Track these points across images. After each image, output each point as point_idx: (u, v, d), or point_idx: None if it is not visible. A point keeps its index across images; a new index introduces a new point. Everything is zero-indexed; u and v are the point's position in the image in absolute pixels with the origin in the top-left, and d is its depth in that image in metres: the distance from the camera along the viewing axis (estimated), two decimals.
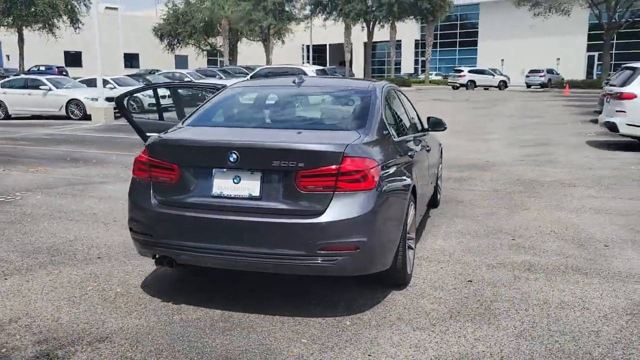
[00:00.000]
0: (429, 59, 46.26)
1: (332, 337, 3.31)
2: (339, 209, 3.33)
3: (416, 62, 65.35)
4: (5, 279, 4.25)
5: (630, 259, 4.69)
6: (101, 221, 5.85)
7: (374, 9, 37.01)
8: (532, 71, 45.78)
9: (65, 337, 3.30)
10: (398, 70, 60.37)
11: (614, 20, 34.71)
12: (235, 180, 3.46)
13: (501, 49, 55.48)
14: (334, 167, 3.33)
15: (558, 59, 50.56)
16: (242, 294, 3.98)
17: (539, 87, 44.39)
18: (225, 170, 3.48)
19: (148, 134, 4.96)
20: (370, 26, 40.48)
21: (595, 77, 49.33)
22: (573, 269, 4.46)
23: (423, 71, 61.01)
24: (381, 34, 46.36)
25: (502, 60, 53.96)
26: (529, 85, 45.06)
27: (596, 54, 52.26)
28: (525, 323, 3.51)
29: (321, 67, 24.07)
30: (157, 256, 3.68)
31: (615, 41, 50.64)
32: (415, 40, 63.87)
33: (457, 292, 3.99)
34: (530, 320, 3.55)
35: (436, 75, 56.45)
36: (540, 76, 45.02)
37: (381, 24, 41.79)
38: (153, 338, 3.30)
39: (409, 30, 57.74)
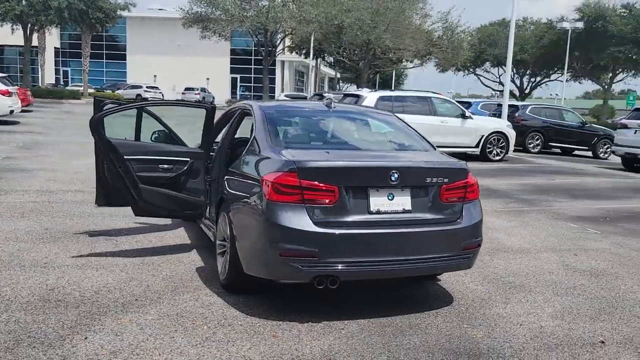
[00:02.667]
0: (87, 70, 43.74)
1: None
2: (469, 215, 4.12)
3: (57, 71, 60.51)
4: None
5: None
6: None
7: (37, 11, 32.99)
8: (187, 89, 48.60)
9: None
10: (35, 79, 54.64)
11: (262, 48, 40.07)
12: (389, 197, 3.81)
13: (152, 65, 56.48)
14: (464, 181, 4.11)
15: (208, 78, 54.57)
16: (368, 302, 4.49)
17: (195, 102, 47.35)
18: (379, 189, 3.77)
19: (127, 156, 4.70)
20: (28, 30, 35.91)
21: (238, 96, 55.39)
22: None
23: (66, 82, 57.12)
24: (13, 38, 40.89)
25: (155, 76, 55.07)
26: None
27: (238, 76, 58.64)
28: None
29: None
30: (317, 277, 3.62)
31: (253, 66, 57.94)
32: (55, 48, 59.07)
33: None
34: None
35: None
36: (196, 94, 48.29)
37: (42, 29, 37.57)
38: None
39: (48, 37, 53.03)
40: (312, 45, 39.27)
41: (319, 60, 45.15)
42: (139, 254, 5.24)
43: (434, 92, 15.33)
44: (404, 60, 39.15)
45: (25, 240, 5.47)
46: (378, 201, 3.82)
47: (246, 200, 3.96)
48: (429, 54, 38.36)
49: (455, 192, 4.05)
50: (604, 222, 7.85)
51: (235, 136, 5.23)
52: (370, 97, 13.83)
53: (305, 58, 50.77)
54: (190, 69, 55.47)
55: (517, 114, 18.07)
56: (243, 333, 3.62)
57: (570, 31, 39.81)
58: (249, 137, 5.16)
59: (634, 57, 41.76)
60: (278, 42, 41.85)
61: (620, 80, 49.36)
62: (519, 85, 55.42)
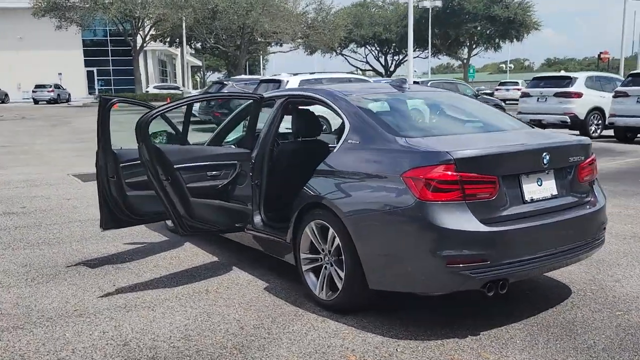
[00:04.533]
0: None
1: None
2: (599, 193, 3.88)
3: None
4: None
5: None
6: None
7: None
8: (38, 86, 43.95)
9: None
10: None
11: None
12: (538, 183, 3.42)
13: None
14: (592, 157, 3.81)
15: (60, 73, 49.67)
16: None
17: (47, 102, 43.22)
18: (529, 174, 3.38)
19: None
20: None
21: (97, 92, 51.15)
22: None
23: None
24: None
25: None
26: (36, 102, 43.25)
27: (95, 69, 54.15)
28: None
29: None
30: (488, 283, 3.13)
31: (110, 57, 53.88)
32: None
33: None
34: None
35: None
36: (49, 91, 43.93)
37: None
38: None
39: None
40: (184, 32, 37.21)
41: (185, 48, 43.11)
42: (176, 282, 4.31)
43: (351, 72, 15.16)
44: (282, 43, 38.70)
45: (13, 285, 4.26)
46: (530, 188, 3.39)
47: (374, 203, 3.31)
48: (306, 37, 38.31)
49: (588, 170, 3.74)
50: None
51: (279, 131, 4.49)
52: (292, 80, 13.29)
53: (170, 46, 48.24)
54: (38, 64, 49.85)
55: None
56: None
57: (430, 9, 42.10)
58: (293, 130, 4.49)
59: (487, 32, 45.37)
60: (147, 29, 39.10)
61: (476, 55, 53.50)
62: (384, 63, 57.73)
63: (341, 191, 3.53)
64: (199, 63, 64.00)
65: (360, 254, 3.36)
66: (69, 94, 46.08)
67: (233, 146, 5.09)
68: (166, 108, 3.82)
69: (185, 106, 4.43)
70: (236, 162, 4.17)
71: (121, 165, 4.41)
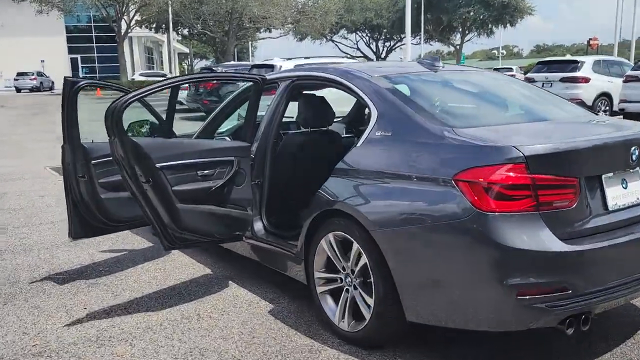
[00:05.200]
0: None
1: None
2: None
3: None
4: None
5: None
6: None
7: None
8: (20, 74, 42.72)
9: None
10: None
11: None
12: (623, 185, 2.69)
13: None
14: None
15: (42, 60, 48.32)
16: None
17: (30, 91, 42.09)
18: (612, 174, 2.65)
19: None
20: None
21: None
22: None
23: None
24: None
25: None
26: (19, 90, 42.10)
27: (79, 56, 52.77)
28: None
29: None
30: (569, 318, 2.40)
31: (95, 44, 52.53)
32: None
33: None
34: None
35: None
36: (31, 79, 42.84)
37: None
38: None
39: None
40: (170, 17, 35.94)
41: (172, 34, 41.86)
42: (160, 303, 3.57)
43: (349, 57, 14.38)
44: (271, 29, 37.60)
45: None
46: (614, 192, 2.64)
47: (415, 213, 2.56)
48: (296, 22, 37.23)
49: None
50: None
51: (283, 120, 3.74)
52: (285, 65, 12.58)
53: (156, 32, 46.99)
54: (19, 51, 48.38)
55: None
56: None
57: None
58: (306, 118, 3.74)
59: (480, 17, 44.56)
60: (132, 14, 37.79)
61: (468, 41, 52.66)
62: (374, 50, 56.74)
63: (369, 197, 2.77)
64: (187, 50, 62.57)
65: (396, 277, 2.63)
66: (52, 82, 44.81)
67: (228, 138, 4.34)
68: (145, 91, 3.03)
69: (170, 90, 3.64)
70: (233, 158, 3.42)
71: (93, 162, 3.65)
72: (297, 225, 3.34)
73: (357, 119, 4.97)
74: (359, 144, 2.97)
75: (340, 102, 4.33)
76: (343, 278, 2.99)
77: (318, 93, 4.05)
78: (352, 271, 2.91)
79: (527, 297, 2.33)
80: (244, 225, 3.54)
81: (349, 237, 2.86)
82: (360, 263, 2.82)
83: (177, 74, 45.84)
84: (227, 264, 4.25)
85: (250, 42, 51.33)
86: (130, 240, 4.91)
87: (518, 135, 2.66)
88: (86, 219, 3.78)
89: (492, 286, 2.36)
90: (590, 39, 43.90)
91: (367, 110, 3.52)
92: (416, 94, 3.12)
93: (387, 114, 2.89)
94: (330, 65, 3.65)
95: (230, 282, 3.91)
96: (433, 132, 2.66)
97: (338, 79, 3.27)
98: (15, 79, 42.77)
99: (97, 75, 52.15)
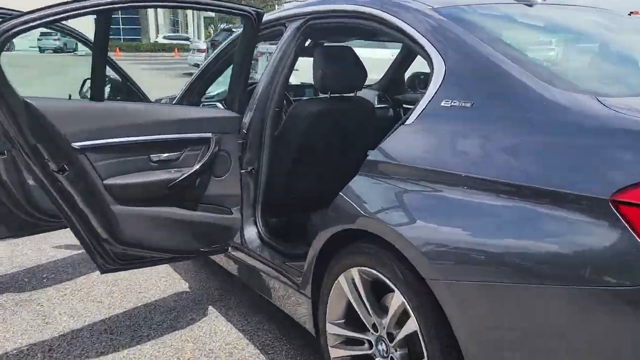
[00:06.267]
0: None
1: None
2: None
3: None
4: None
5: None
6: None
7: None
8: (43, 34, 42.04)
9: None
10: None
11: None
12: None
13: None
14: None
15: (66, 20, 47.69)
16: None
17: (53, 51, 41.82)
18: None
19: None
20: None
21: None
22: None
23: None
24: None
25: None
26: (42, 50, 41.82)
27: None
28: None
29: None
30: None
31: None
32: None
33: None
34: None
35: None
36: (55, 40, 42.37)
37: None
38: None
39: None
40: None
41: None
42: (116, 342, 2.46)
43: None
44: None
45: None
46: None
47: (525, 257, 1.30)
48: None
49: None
50: None
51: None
52: None
53: None
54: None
55: None
56: None
57: None
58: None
59: None
60: None
61: None
62: None
63: (425, 215, 1.55)
64: (212, 14, 61.08)
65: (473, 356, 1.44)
66: (76, 43, 44.02)
67: (220, 105, 3.17)
68: (46, 15, 1.82)
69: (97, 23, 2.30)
70: (210, 135, 2.22)
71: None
72: (306, 237, 2.19)
73: (396, 81, 3.74)
74: (409, 120, 1.74)
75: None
76: (373, 342, 1.81)
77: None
78: (390, 335, 1.73)
79: None
80: (225, 234, 2.38)
81: (385, 279, 1.67)
82: (407, 328, 1.64)
83: (202, 37, 44.58)
84: (210, 275, 3.13)
85: (276, 4, 49.66)
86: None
87: None
88: (13, 213, 2.67)
89: None
90: (631, 12, 41.17)
91: (418, 70, 2.28)
92: (512, 39, 1.84)
93: (465, 71, 1.65)
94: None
95: (211, 307, 2.78)
96: (564, 104, 1.42)
97: (377, 12, 2.00)
98: (38, 39, 42.05)
99: (121, 37, 51.27)
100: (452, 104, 1.61)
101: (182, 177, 2.13)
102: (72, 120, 1.85)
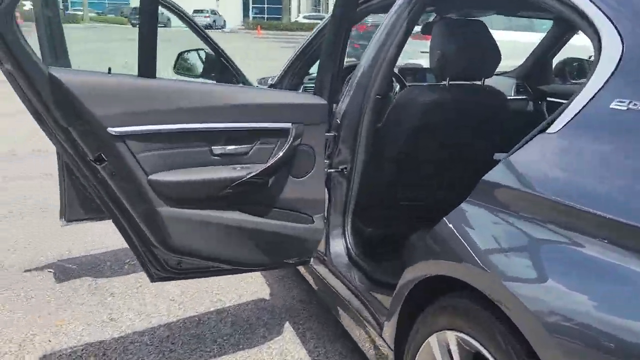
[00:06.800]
0: None
1: None
2: None
3: None
4: None
5: None
6: None
7: None
8: (195, 11, 44.52)
9: None
10: None
11: None
12: None
13: None
14: None
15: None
16: None
17: (204, 28, 44.25)
18: None
19: None
20: None
21: (251, 18, 50.64)
22: None
23: (65, 6, 52.01)
24: None
25: None
26: None
27: None
28: None
29: None
30: None
31: None
32: None
33: None
34: None
35: None
36: (205, 17, 44.53)
37: None
38: None
39: None
40: None
41: None
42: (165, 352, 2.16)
43: None
44: None
45: None
46: None
47: None
48: None
49: None
50: None
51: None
52: None
53: None
54: None
55: None
56: None
57: None
58: None
59: None
60: None
61: None
62: None
63: (565, 275, 0.98)
64: None
65: None
66: (224, 21, 46.34)
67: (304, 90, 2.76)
68: None
69: None
70: (290, 125, 1.78)
71: None
72: (402, 261, 1.70)
73: (541, 68, 3.05)
74: (553, 127, 1.14)
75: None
76: None
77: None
78: None
79: None
80: (301, 247, 1.94)
81: (490, 356, 1.13)
82: None
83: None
84: (296, 281, 2.73)
85: None
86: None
87: None
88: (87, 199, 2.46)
89: None
90: None
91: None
92: None
93: None
94: None
95: (285, 323, 2.38)
96: None
97: None
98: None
99: (265, 16, 52.90)
100: (630, 106, 1.01)
101: (251, 176, 1.72)
102: (110, 100, 1.50)
